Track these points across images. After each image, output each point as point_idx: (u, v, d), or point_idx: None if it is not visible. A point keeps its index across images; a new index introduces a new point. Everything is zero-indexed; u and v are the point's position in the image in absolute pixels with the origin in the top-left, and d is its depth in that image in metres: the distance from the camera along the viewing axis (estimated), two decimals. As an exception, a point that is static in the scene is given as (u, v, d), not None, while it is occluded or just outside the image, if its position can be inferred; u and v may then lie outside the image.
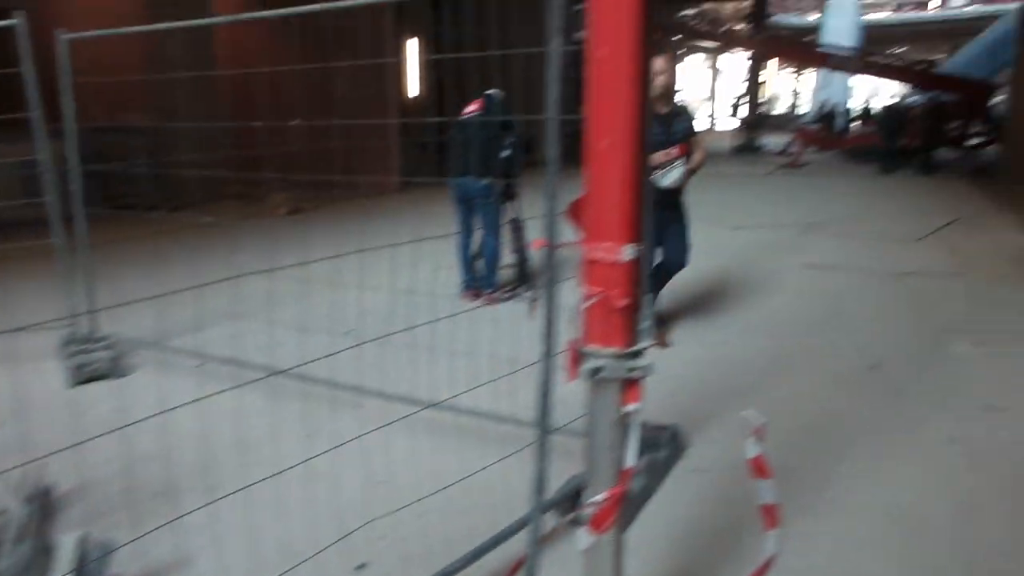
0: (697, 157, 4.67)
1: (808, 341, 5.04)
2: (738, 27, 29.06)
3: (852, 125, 23.83)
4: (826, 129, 23.16)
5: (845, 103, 28.03)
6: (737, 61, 32.96)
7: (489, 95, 5.85)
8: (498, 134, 5.57)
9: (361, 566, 2.56)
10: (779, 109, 40.67)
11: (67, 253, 4.42)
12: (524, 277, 6.09)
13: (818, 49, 23.42)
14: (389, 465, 2.99)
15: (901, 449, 3.46)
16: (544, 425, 1.86)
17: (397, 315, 4.74)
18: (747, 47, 24.71)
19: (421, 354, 3.88)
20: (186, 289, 3.37)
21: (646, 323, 1.70)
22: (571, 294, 1.75)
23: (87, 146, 4.70)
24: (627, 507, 2.33)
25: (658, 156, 4.34)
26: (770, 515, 1.93)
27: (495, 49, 13.64)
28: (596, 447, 1.81)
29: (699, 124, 4.82)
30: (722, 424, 3.66)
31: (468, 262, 6.02)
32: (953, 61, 24.05)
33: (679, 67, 35.24)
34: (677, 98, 4.97)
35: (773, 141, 22.87)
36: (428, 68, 15.87)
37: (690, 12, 28.29)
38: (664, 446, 3.22)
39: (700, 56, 38.14)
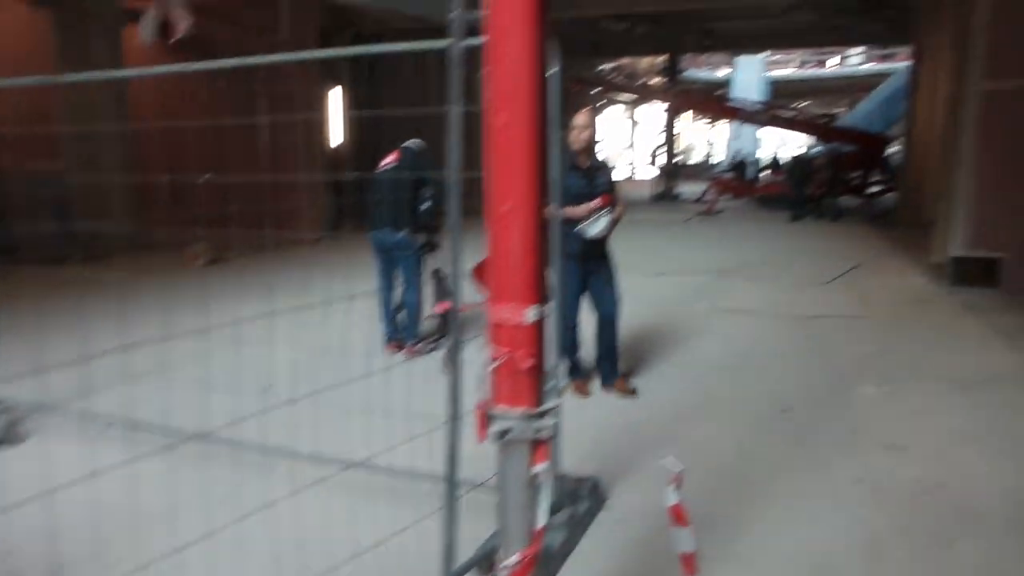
0: (618, 209, 4.75)
1: (723, 385, 5.18)
2: (653, 81, 30.32)
3: (762, 174, 25.03)
4: (739, 178, 24.25)
5: (755, 153, 29.48)
6: (655, 112, 34.22)
7: (407, 147, 5.87)
8: (417, 186, 5.58)
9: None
10: (695, 159, 42.38)
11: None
12: (447, 328, 6.06)
13: (728, 103, 24.63)
14: (302, 530, 2.88)
15: (812, 491, 3.56)
16: (452, 493, 1.84)
17: (317, 370, 4.64)
18: (662, 100, 25.77)
19: (339, 411, 3.80)
20: (88, 349, 3.21)
21: (556, 382, 1.73)
22: (480, 354, 1.76)
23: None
24: (547, 563, 2.32)
25: (582, 208, 4.43)
26: (688, 564, 1.95)
27: (416, 100, 13.80)
28: (508, 507, 1.80)
29: (619, 177, 4.90)
30: (643, 471, 3.69)
31: (390, 314, 5.96)
32: (852, 114, 25.69)
33: (599, 118, 36.35)
34: (599, 152, 5.06)
35: (690, 189, 23.76)
36: (352, 117, 15.92)
37: (608, 66, 29.38)
38: (585, 498, 3.22)
39: (619, 107, 39.49)
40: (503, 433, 1.69)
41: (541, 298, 1.63)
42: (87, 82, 9.19)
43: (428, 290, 5.94)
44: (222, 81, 9.45)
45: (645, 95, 29.44)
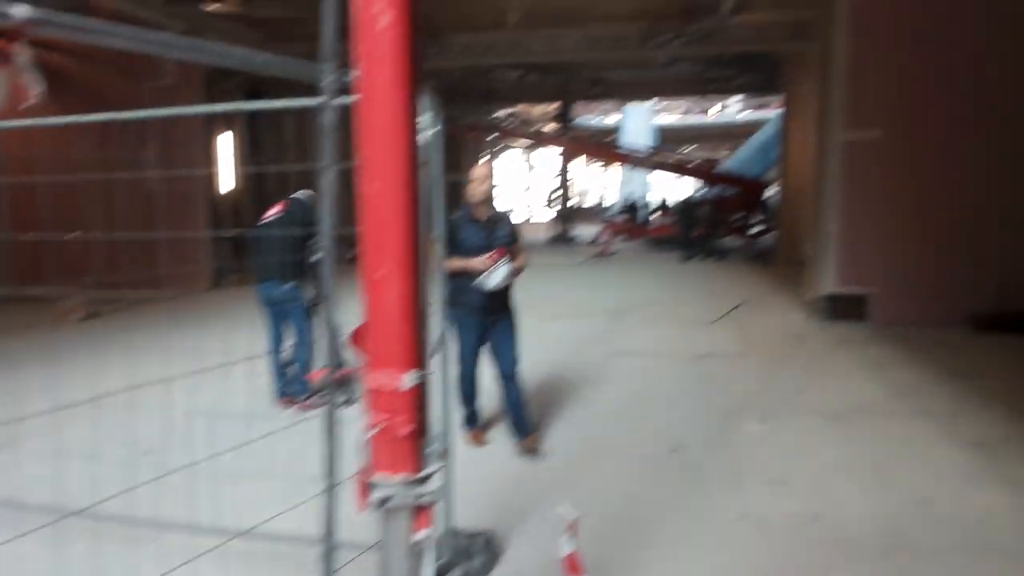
0: (520, 260, 4.68)
1: (617, 428, 5.29)
2: (547, 127, 31.18)
3: (653, 216, 26.06)
4: (631, 220, 25.14)
5: (646, 196, 30.71)
6: (550, 156, 35.13)
7: (294, 197, 5.77)
8: (306, 237, 5.44)
9: None
10: (590, 202, 43.67)
11: None
12: (340, 382, 5.92)
13: (618, 149, 25.64)
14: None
15: (700, 529, 3.67)
16: (328, 564, 1.78)
17: (203, 431, 4.42)
18: (555, 145, 26.53)
19: (220, 476, 3.62)
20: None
21: (438, 444, 1.71)
22: (360, 419, 1.73)
23: None
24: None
25: (480, 261, 4.38)
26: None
27: (306, 146, 13.63)
28: (390, 575, 1.76)
29: (520, 228, 4.82)
30: (538, 521, 3.70)
31: (279, 368, 5.77)
32: (733, 159, 27.26)
33: (496, 161, 36.98)
34: (499, 203, 5.06)
35: (585, 232, 24.41)
36: (242, 162, 15.51)
37: (503, 112, 30.04)
38: (478, 553, 3.19)
39: (515, 152, 40.34)
40: (384, 501, 1.66)
41: (419, 363, 1.62)
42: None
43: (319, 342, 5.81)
44: (100, 129, 9.03)
45: (539, 141, 30.25)
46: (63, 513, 3.22)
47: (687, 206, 19.84)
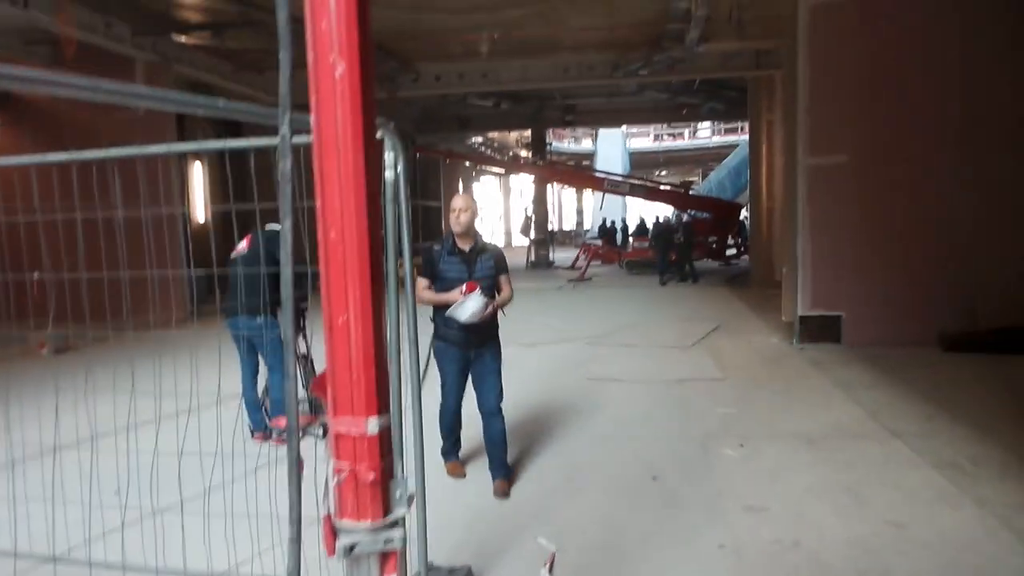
0: (504, 294, 4.59)
1: (594, 455, 5.27)
2: (522, 153, 31.43)
3: (630, 240, 26.28)
4: (608, 244, 25.33)
5: (623, 220, 30.98)
6: (526, 181, 35.39)
7: (266, 230, 5.73)
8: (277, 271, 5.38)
9: None
10: (567, 226, 43.95)
11: None
12: (316, 413, 5.86)
13: (592, 174, 25.90)
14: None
15: (680, 558, 3.65)
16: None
17: (173, 471, 4.32)
18: (530, 172, 26.72)
19: (194, 516, 3.54)
20: None
21: (405, 489, 1.69)
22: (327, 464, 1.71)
23: None
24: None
25: (452, 294, 4.30)
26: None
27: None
28: (360, 625, 1.73)
29: (505, 260, 4.65)
30: (517, 554, 3.67)
31: (253, 402, 5.70)
32: (706, 183, 27.66)
33: (474, 185, 37.16)
34: (482, 234, 4.81)
35: (564, 256, 24.53)
36: (215, 193, 15.44)
37: (479, 139, 30.28)
38: (455, 591, 3.15)
39: (492, 177, 40.59)
40: (350, 548, 1.64)
41: (383, 408, 1.61)
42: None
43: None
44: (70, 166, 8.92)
45: (514, 168, 30.48)
46: (23, 558, 3.13)
47: (663, 229, 20.03)
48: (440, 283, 4.43)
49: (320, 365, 1.94)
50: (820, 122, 8.93)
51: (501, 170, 34.03)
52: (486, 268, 4.48)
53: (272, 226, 5.80)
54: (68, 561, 3.35)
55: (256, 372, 5.71)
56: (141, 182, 3.69)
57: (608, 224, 28.62)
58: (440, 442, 4.85)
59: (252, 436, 5.66)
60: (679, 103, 21.86)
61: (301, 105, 1.60)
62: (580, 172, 29.52)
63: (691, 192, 25.55)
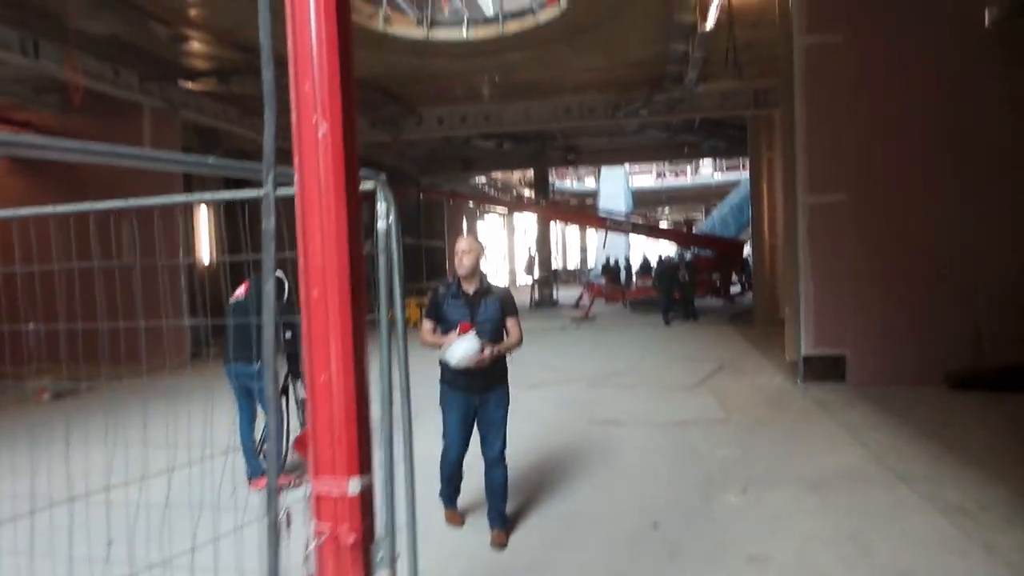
0: (512, 337, 4.49)
1: (596, 501, 5.18)
2: (525, 192, 31.65)
3: (634, 279, 26.29)
4: (612, 283, 25.31)
5: (626, 258, 31.04)
6: (530, 219, 35.57)
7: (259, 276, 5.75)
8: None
9: None
10: (571, 264, 44.05)
11: None
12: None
13: (595, 213, 26.05)
14: None
15: (680, 613, 3.56)
16: None
17: (168, 523, 4.26)
18: (533, 211, 26.88)
19: (184, 572, 3.48)
20: None
21: (385, 553, 1.66)
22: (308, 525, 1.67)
23: None
24: None
25: (450, 336, 4.22)
26: None
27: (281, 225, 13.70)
28: None
29: (512, 303, 4.54)
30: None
31: (252, 449, 5.65)
32: (709, 220, 27.74)
33: (479, 223, 37.33)
34: (488, 276, 4.70)
35: (568, 295, 24.51)
36: (220, 237, 15.56)
37: (482, 179, 30.54)
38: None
39: (496, 215, 40.83)
40: (331, 612, 1.60)
41: (364, 468, 1.59)
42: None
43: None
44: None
45: (517, 208, 30.67)
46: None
47: (666, 268, 20.00)
48: (443, 325, 4.38)
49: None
50: (818, 161, 8.97)
51: (505, 209, 34.26)
52: (491, 311, 4.39)
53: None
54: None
55: (253, 419, 5.67)
56: (135, 231, 3.70)
57: (611, 262, 28.65)
58: (440, 483, 4.76)
59: (250, 483, 5.59)
60: (680, 141, 22.07)
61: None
62: (582, 212, 29.71)
63: (694, 230, 25.62)
